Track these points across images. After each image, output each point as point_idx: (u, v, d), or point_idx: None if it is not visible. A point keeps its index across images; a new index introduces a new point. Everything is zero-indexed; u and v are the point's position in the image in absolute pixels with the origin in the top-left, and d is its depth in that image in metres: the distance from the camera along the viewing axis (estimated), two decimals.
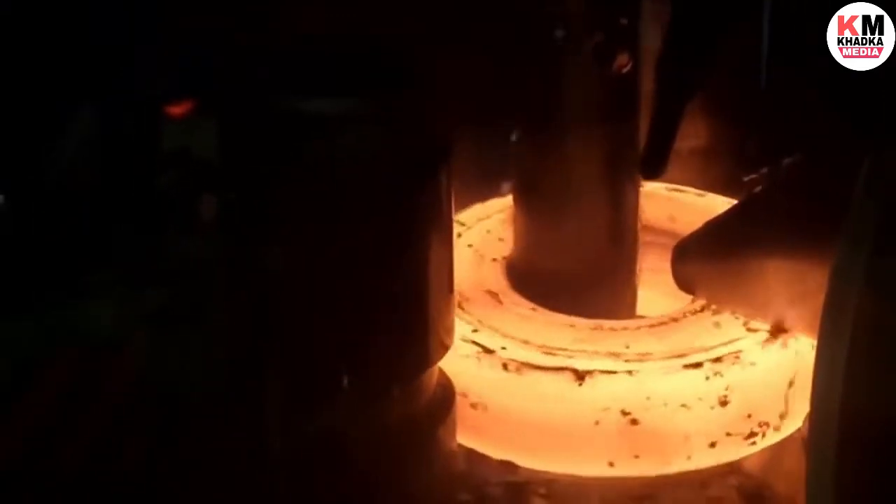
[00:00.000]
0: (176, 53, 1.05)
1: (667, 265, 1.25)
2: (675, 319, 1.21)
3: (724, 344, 1.15)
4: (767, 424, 1.15)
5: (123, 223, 0.98)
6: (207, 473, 0.97)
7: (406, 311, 1.03)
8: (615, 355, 1.14)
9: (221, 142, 0.98)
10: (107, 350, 0.96)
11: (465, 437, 1.15)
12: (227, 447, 0.98)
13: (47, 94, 0.97)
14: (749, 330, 1.17)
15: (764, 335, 1.16)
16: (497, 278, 1.28)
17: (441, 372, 1.11)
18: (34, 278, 0.96)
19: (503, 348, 1.16)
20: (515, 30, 1.23)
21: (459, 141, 1.06)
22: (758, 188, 1.29)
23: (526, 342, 1.16)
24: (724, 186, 1.42)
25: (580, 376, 1.12)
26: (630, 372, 1.12)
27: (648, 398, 1.11)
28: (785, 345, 1.15)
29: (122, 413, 0.96)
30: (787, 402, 1.15)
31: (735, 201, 1.32)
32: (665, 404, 1.11)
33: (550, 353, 1.15)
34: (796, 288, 1.10)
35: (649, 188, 1.34)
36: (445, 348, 1.08)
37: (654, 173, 1.21)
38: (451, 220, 1.08)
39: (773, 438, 1.16)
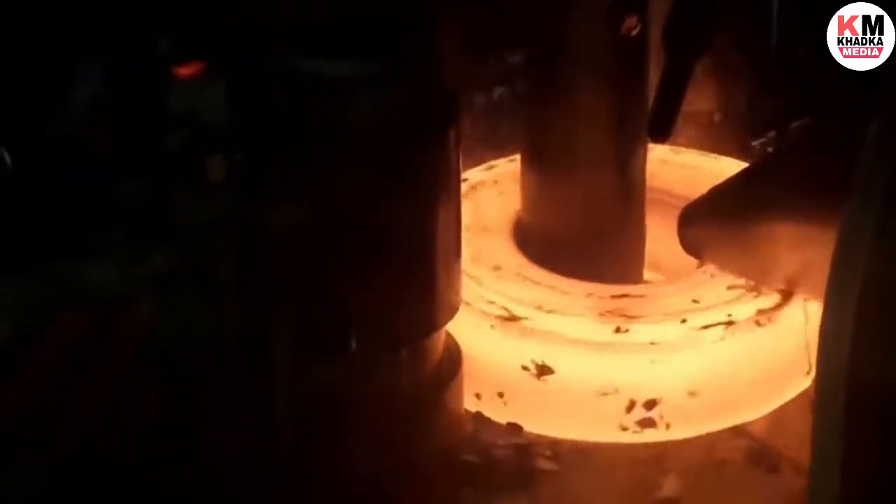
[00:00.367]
0: (184, 15, 1.04)
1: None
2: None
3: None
4: None
5: (132, 182, 0.98)
6: (214, 435, 0.98)
7: (414, 271, 1.03)
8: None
9: (229, 103, 0.98)
10: (116, 309, 0.96)
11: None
12: (233, 408, 0.98)
13: (55, 51, 0.97)
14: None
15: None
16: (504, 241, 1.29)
17: (449, 335, 1.12)
18: (42, 237, 0.96)
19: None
20: None
21: (467, 100, 1.06)
22: (768, 149, 1.29)
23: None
24: (733, 151, 1.42)
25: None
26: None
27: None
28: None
29: (132, 371, 0.96)
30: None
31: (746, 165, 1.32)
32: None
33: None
34: (804, 251, 1.10)
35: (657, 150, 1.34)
36: (453, 311, 1.08)
37: (661, 134, 1.21)
38: (458, 182, 1.07)
39: None
